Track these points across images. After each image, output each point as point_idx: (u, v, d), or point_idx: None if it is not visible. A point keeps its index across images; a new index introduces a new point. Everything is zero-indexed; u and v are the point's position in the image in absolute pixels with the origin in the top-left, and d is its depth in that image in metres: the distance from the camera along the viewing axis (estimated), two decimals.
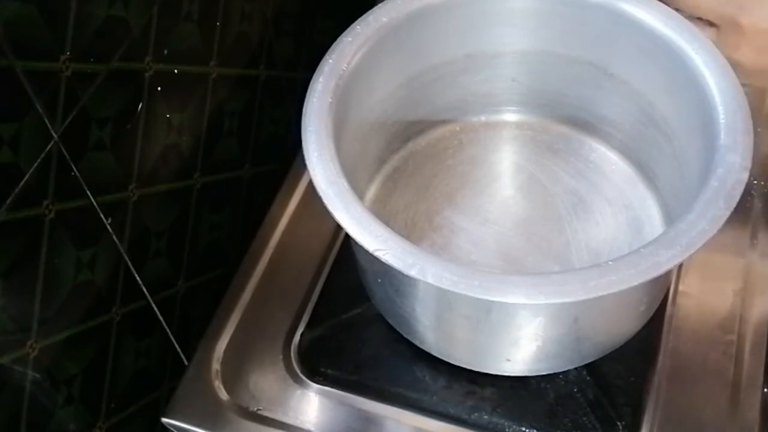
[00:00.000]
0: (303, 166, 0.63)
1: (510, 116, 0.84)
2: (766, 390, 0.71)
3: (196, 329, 0.79)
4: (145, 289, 0.71)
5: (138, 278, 0.70)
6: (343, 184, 0.61)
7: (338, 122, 0.66)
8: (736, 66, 0.65)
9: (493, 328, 0.65)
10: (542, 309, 0.61)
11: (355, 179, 0.64)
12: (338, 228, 0.81)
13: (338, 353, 0.75)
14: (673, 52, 0.67)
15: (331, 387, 0.74)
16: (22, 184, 0.54)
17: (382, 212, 0.76)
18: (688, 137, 0.69)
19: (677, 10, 0.68)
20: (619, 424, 0.69)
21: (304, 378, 0.75)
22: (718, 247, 0.76)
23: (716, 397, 0.71)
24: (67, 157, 0.58)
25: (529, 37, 0.76)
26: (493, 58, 0.78)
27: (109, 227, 0.64)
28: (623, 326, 0.69)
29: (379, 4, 0.72)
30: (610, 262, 0.57)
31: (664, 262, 0.56)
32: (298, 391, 0.75)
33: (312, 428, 0.73)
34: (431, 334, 0.69)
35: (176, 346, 0.77)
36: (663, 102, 0.72)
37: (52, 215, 0.58)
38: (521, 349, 0.66)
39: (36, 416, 0.61)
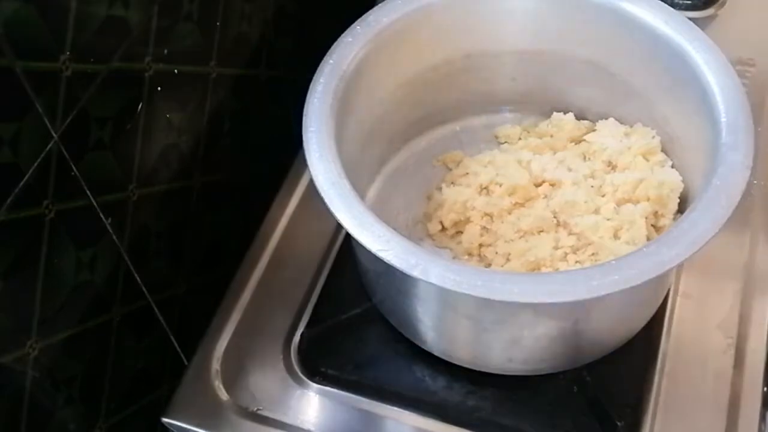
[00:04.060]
0: (303, 166, 0.63)
1: (510, 116, 0.84)
2: (766, 390, 0.71)
3: (196, 329, 0.78)
4: (145, 289, 0.71)
5: (138, 278, 0.69)
6: (345, 184, 0.61)
7: (339, 123, 0.66)
8: None
9: (496, 328, 0.65)
10: (545, 308, 0.61)
11: (356, 179, 0.64)
12: (338, 228, 0.82)
13: (338, 353, 0.75)
14: (674, 51, 0.67)
15: (331, 387, 0.74)
16: (22, 184, 0.54)
17: (383, 212, 0.76)
18: (690, 136, 0.69)
19: None
20: (619, 424, 0.69)
21: (304, 378, 0.75)
22: (718, 247, 0.76)
23: (716, 397, 0.71)
24: (67, 157, 0.58)
25: (529, 36, 0.76)
26: (493, 58, 0.78)
27: (109, 227, 0.64)
28: (624, 326, 0.69)
29: (379, 4, 0.72)
30: (613, 262, 0.57)
31: (666, 261, 0.56)
32: (298, 391, 0.75)
33: (312, 428, 0.73)
34: (433, 334, 0.69)
35: (176, 346, 0.77)
36: (664, 101, 0.72)
37: (52, 215, 0.58)
38: (523, 349, 0.66)
39: (36, 416, 0.61)
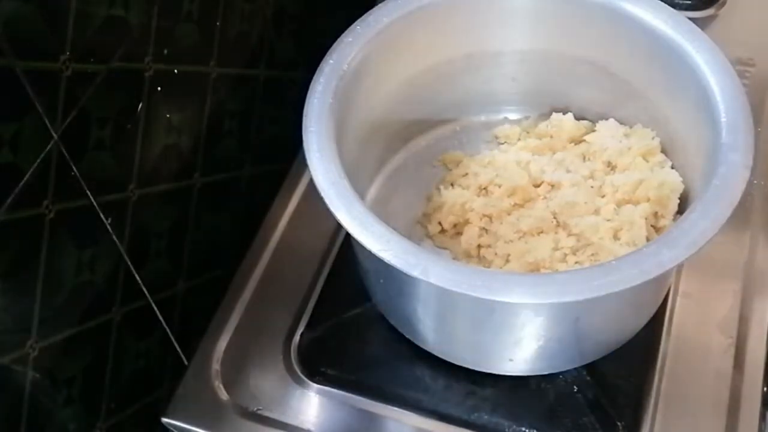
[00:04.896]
0: (303, 166, 0.63)
1: (510, 116, 0.84)
2: (766, 390, 0.71)
3: (196, 329, 0.78)
4: (145, 289, 0.71)
5: (138, 278, 0.69)
6: (345, 184, 0.61)
7: (339, 123, 0.66)
8: None
9: (496, 328, 0.65)
10: (545, 308, 0.61)
11: (356, 179, 0.64)
12: (338, 228, 0.82)
13: (338, 353, 0.75)
14: (674, 51, 0.67)
15: (331, 387, 0.74)
16: (22, 184, 0.54)
17: (383, 212, 0.76)
18: (690, 136, 0.69)
19: None
20: (619, 424, 0.69)
21: (304, 378, 0.75)
22: (718, 247, 0.76)
23: (716, 397, 0.71)
24: (67, 157, 0.58)
25: (529, 36, 0.76)
26: (493, 58, 0.78)
27: (109, 227, 0.64)
28: (624, 326, 0.69)
29: (379, 4, 0.72)
30: (613, 262, 0.57)
31: (666, 261, 0.56)
32: (298, 391, 0.75)
33: (312, 428, 0.73)
34: (433, 334, 0.69)
35: (176, 346, 0.77)
36: (664, 101, 0.72)
37: (52, 215, 0.57)
38: (523, 349, 0.66)
39: (36, 416, 0.61)
